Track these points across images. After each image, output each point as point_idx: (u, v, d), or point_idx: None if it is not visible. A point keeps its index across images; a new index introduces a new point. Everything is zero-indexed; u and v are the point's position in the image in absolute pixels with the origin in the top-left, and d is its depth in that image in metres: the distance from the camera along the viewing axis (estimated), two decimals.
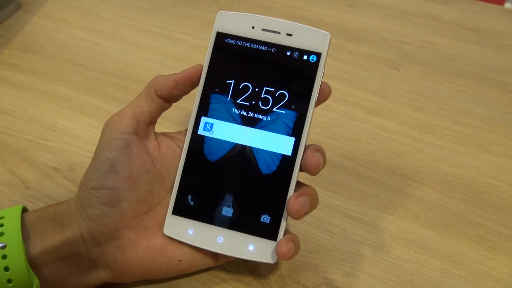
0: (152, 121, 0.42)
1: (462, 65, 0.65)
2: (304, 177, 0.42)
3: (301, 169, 0.41)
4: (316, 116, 0.41)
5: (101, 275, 0.40)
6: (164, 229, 0.41)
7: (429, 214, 0.50)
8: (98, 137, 0.41)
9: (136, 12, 0.72)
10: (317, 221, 0.49)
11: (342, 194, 0.51)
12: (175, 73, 0.42)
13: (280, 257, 0.39)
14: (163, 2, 0.74)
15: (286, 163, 0.41)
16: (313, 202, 0.41)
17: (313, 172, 0.40)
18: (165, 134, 0.44)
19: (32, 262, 0.38)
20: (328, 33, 0.41)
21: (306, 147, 0.41)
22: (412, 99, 0.61)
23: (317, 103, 0.41)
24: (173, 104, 0.44)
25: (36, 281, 0.38)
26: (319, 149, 0.41)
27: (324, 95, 0.42)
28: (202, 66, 0.42)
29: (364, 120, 0.58)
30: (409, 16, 0.72)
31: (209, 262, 0.42)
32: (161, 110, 0.43)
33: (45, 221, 0.40)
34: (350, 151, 0.55)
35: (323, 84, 0.41)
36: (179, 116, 0.57)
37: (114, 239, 0.40)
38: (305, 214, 0.40)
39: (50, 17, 0.71)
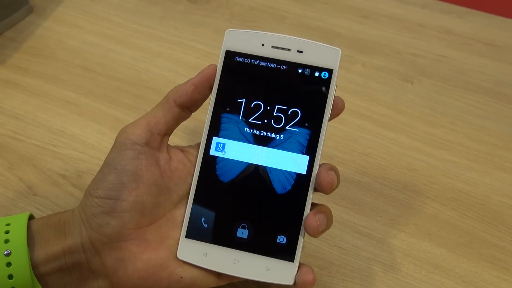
0: (167, 132, 0.42)
1: (477, 80, 0.65)
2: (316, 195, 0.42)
3: (315, 188, 0.40)
4: (328, 128, 0.40)
5: (101, 286, 0.40)
6: (177, 253, 0.40)
7: (442, 232, 0.49)
8: (107, 144, 0.40)
9: (148, 19, 0.72)
10: (328, 236, 0.48)
11: (353, 209, 0.50)
12: (191, 78, 0.41)
13: (306, 284, 0.38)
14: (176, 9, 0.74)
15: (301, 182, 0.40)
16: (330, 220, 0.40)
17: (327, 190, 0.39)
18: (177, 148, 0.43)
19: (36, 270, 0.38)
20: (339, 49, 0.41)
21: (320, 165, 0.40)
22: (426, 113, 0.60)
23: (330, 118, 0.41)
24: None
25: None
26: (333, 168, 0.40)
27: (337, 110, 0.41)
28: (216, 66, 0.41)
29: (376, 134, 0.58)
30: (424, 29, 0.71)
31: (212, 282, 0.41)
32: (177, 121, 0.42)
33: (49, 228, 0.40)
34: (362, 165, 0.54)
35: (336, 98, 0.41)
36: (188, 125, 0.56)
37: (115, 250, 0.39)
38: (323, 231, 0.39)
39: (61, 21, 0.71)
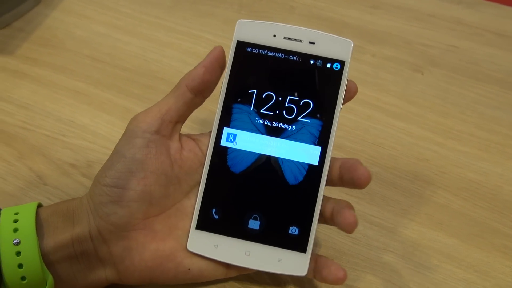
0: (179, 120, 0.41)
1: (488, 70, 0.64)
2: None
3: (327, 181, 0.40)
4: (339, 119, 0.40)
5: (108, 275, 0.40)
6: (187, 245, 0.40)
7: (453, 222, 0.49)
8: (117, 134, 0.40)
9: (157, 9, 0.71)
10: None
11: (364, 199, 0.50)
12: (200, 62, 0.41)
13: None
14: (184, 0, 0.73)
15: (313, 173, 0.40)
16: None
17: (363, 184, 0.39)
18: (188, 136, 0.42)
19: (45, 258, 0.37)
20: (351, 41, 0.41)
21: (344, 160, 0.40)
22: (436, 103, 0.60)
23: (343, 102, 0.41)
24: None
25: (50, 278, 0.37)
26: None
27: (350, 94, 0.41)
28: (221, 47, 0.41)
29: (387, 124, 0.57)
30: (434, 19, 0.71)
31: (220, 274, 0.41)
32: (189, 108, 0.41)
33: (57, 216, 0.39)
34: (373, 155, 0.54)
35: (349, 82, 0.41)
36: (199, 115, 0.56)
37: (122, 239, 0.39)
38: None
39: (69, 11, 0.71)
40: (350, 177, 0.39)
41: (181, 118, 0.41)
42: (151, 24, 0.69)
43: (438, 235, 0.48)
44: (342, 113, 0.41)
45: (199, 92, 0.41)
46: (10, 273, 0.36)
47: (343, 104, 0.41)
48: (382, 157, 0.54)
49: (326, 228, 0.47)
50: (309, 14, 0.71)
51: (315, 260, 0.40)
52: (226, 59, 0.41)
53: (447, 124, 0.58)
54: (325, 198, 0.40)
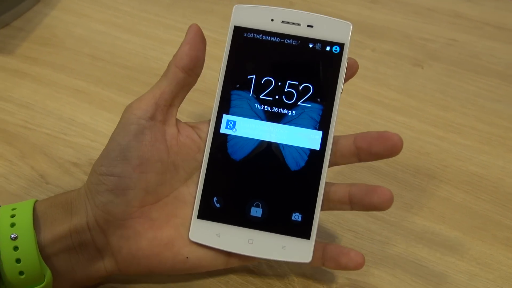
0: (174, 103, 0.41)
1: (488, 63, 0.64)
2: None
3: (329, 164, 0.40)
4: (339, 114, 0.40)
5: (107, 266, 0.40)
6: (189, 234, 0.40)
7: (456, 215, 0.49)
8: None
9: (156, 6, 0.71)
10: (341, 220, 0.48)
11: None
12: (182, 42, 0.41)
13: (358, 266, 0.39)
14: None
15: (315, 158, 0.40)
16: None
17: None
18: (187, 123, 0.42)
19: (43, 252, 0.37)
20: (350, 23, 0.41)
21: (358, 135, 0.40)
22: (437, 97, 0.60)
23: (345, 80, 0.41)
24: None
25: (48, 273, 0.37)
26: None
27: (352, 70, 0.41)
28: (196, 24, 0.41)
29: (388, 119, 0.57)
30: (433, 13, 0.71)
31: (220, 264, 0.41)
32: (183, 88, 0.41)
33: (55, 208, 0.39)
34: None
35: (349, 60, 0.40)
36: (195, 110, 0.56)
37: (119, 228, 0.39)
38: None
39: (69, 10, 0.71)
40: (376, 148, 0.39)
41: (176, 101, 0.41)
42: (150, 21, 0.69)
43: (441, 229, 0.48)
44: (342, 107, 0.41)
45: (190, 70, 0.40)
46: (8, 268, 0.36)
47: (344, 82, 0.40)
48: None
49: (328, 222, 0.47)
50: (308, 9, 0.70)
51: (323, 248, 0.40)
52: (224, 45, 0.41)
53: (448, 117, 0.58)
54: (327, 183, 0.40)
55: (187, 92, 0.42)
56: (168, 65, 0.41)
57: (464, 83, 0.62)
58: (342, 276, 0.44)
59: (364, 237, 0.47)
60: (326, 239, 0.46)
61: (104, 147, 0.53)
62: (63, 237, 0.38)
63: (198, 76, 0.41)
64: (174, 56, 0.41)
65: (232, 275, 0.44)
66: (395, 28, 0.69)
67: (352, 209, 0.40)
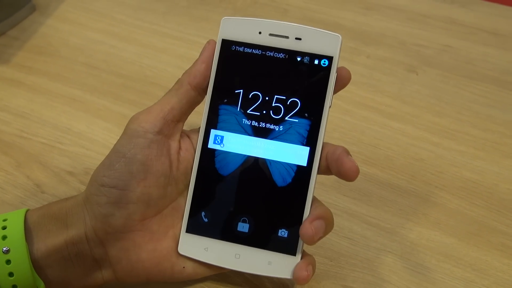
0: (181, 119, 0.41)
1: (483, 69, 0.64)
2: (319, 188, 0.42)
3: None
4: (334, 120, 0.40)
5: (104, 275, 0.39)
6: (178, 248, 0.40)
7: (451, 221, 0.49)
8: (114, 140, 0.39)
9: (151, 15, 0.72)
10: (337, 227, 0.48)
11: (361, 200, 0.50)
12: (197, 59, 0.41)
13: (300, 281, 0.38)
14: (179, 5, 0.73)
15: (302, 174, 0.39)
16: (329, 226, 0.39)
17: (352, 178, 0.38)
18: (184, 132, 0.42)
19: (36, 264, 0.37)
20: (339, 35, 0.40)
21: (331, 149, 0.39)
22: (432, 103, 0.60)
23: (336, 90, 0.40)
24: None
25: (42, 286, 0.37)
26: (348, 152, 0.38)
27: (343, 81, 0.40)
28: (213, 40, 0.41)
29: (383, 125, 0.57)
30: (428, 20, 0.71)
31: (213, 270, 0.41)
32: (192, 106, 0.41)
33: (49, 219, 0.39)
34: (369, 156, 0.54)
35: (340, 69, 0.40)
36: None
37: (119, 241, 0.38)
38: (320, 238, 0.38)
39: (64, 19, 0.71)
40: (337, 170, 0.38)
41: (183, 117, 0.41)
42: (145, 30, 0.70)
43: (436, 235, 0.48)
44: (337, 114, 0.41)
45: (202, 89, 0.40)
46: (1, 282, 0.36)
47: (336, 92, 0.40)
48: (379, 158, 0.54)
49: None
50: (303, 17, 0.72)
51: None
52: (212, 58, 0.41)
53: (443, 123, 0.58)
54: (314, 199, 0.40)
55: (194, 109, 0.41)
56: (180, 81, 0.41)
57: (458, 89, 0.62)
58: (337, 283, 0.44)
59: (360, 244, 0.47)
60: (321, 246, 0.46)
61: (99, 156, 0.53)
62: (59, 249, 0.38)
63: (206, 93, 0.41)
64: (188, 72, 0.41)
65: (223, 281, 0.44)
66: (390, 35, 0.69)
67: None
